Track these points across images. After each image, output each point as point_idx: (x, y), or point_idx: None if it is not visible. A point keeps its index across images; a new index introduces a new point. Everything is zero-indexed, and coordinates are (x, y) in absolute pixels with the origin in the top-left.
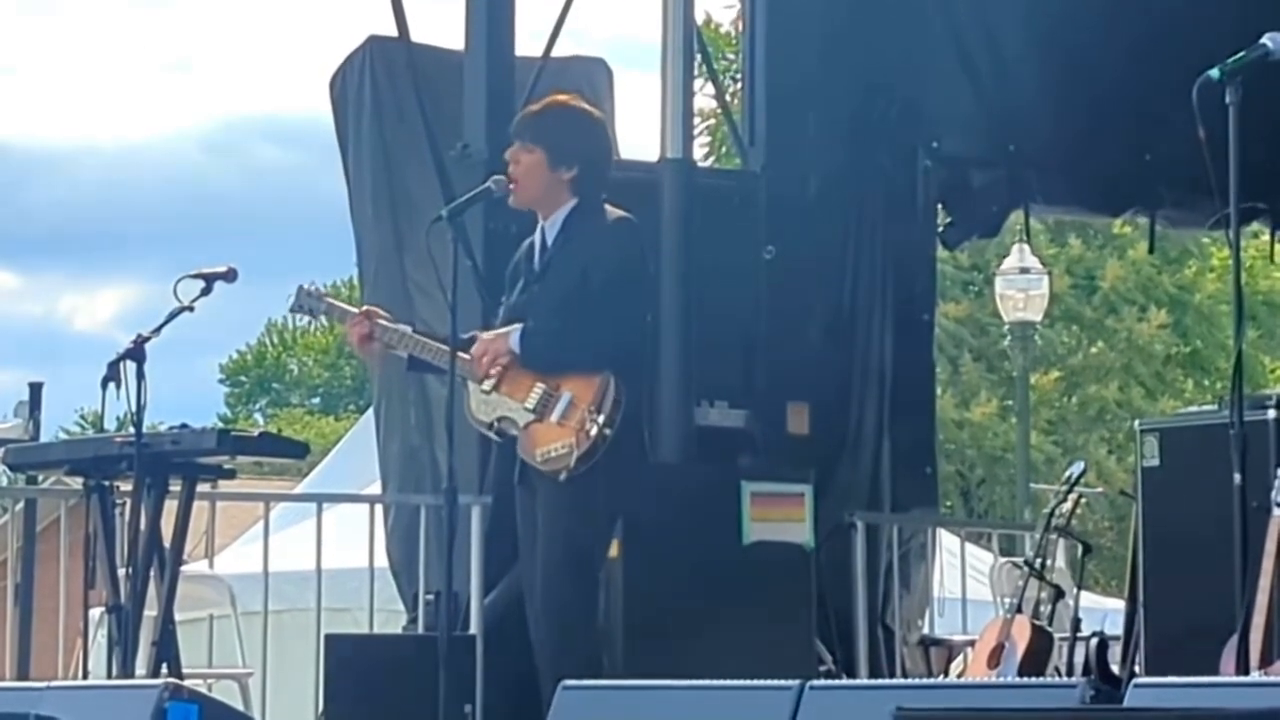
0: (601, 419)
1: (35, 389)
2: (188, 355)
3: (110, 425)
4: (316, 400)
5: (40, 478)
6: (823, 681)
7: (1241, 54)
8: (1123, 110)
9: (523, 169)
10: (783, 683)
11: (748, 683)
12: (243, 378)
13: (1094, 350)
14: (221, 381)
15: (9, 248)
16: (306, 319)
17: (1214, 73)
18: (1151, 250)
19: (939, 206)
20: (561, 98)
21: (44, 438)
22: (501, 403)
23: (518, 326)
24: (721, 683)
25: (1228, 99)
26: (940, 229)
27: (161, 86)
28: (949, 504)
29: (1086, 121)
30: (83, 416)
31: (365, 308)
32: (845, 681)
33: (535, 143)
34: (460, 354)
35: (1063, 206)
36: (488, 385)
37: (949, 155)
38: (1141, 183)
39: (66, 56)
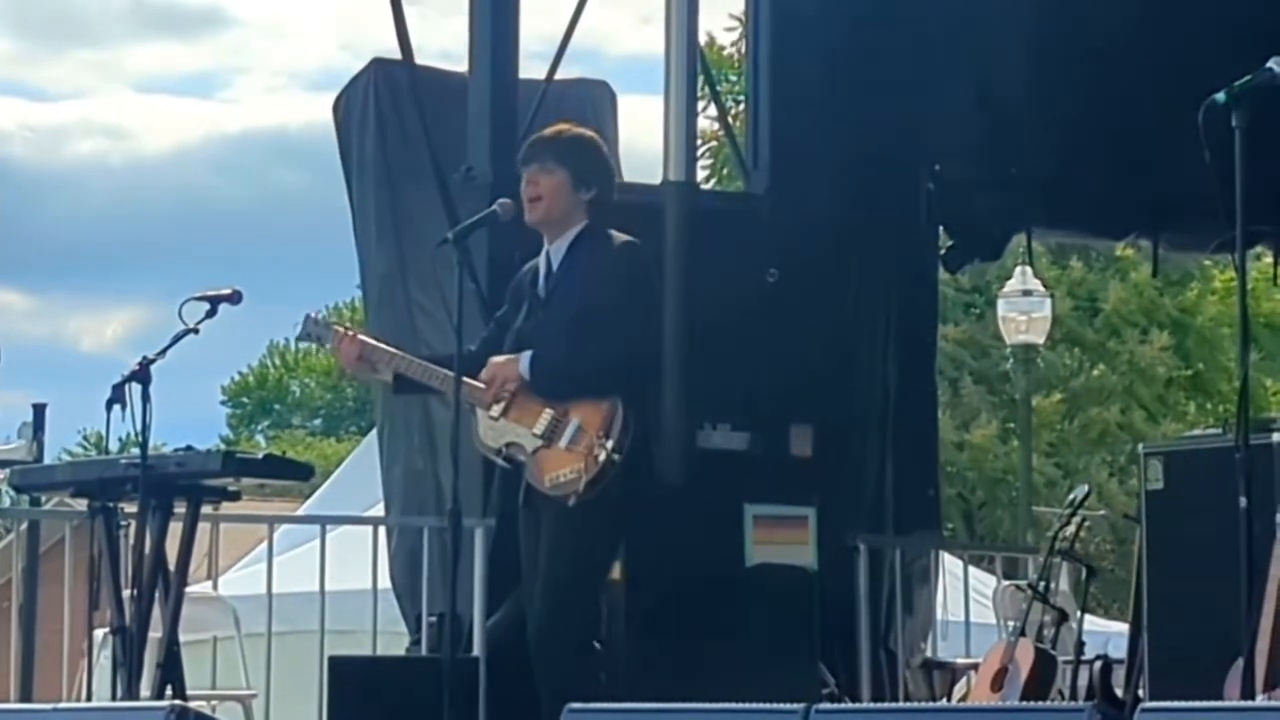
0: (610, 444)
1: (39, 410)
2: (189, 376)
3: (112, 446)
4: (318, 422)
5: (44, 499)
6: (828, 705)
7: (1248, 78)
8: (1125, 134)
9: (545, 189)
10: (788, 706)
11: (754, 706)
12: (244, 399)
13: (1095, 373)
14: (223, 403)
15: (19, 268)
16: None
17: (1220, 96)
18: (1155, 274)
19: (941, 229)
20: (566, 125)
21: (46, 458)
22: (510, 429)
23: (527, 352)
24: (728, 706)
25: (1234, 123)
26: (942, 252)
27: (172, 107)
28: (950, 527)
29: (1089, 145)
30: (85, 437)
31: (349, 329)
32: (851, 705)
33: (559, 164)
34: (468, 380)
35: (1065, 230)
36: (496, 411)
37: (951, 178)
38: (1143, 207)
39: (78, 78)
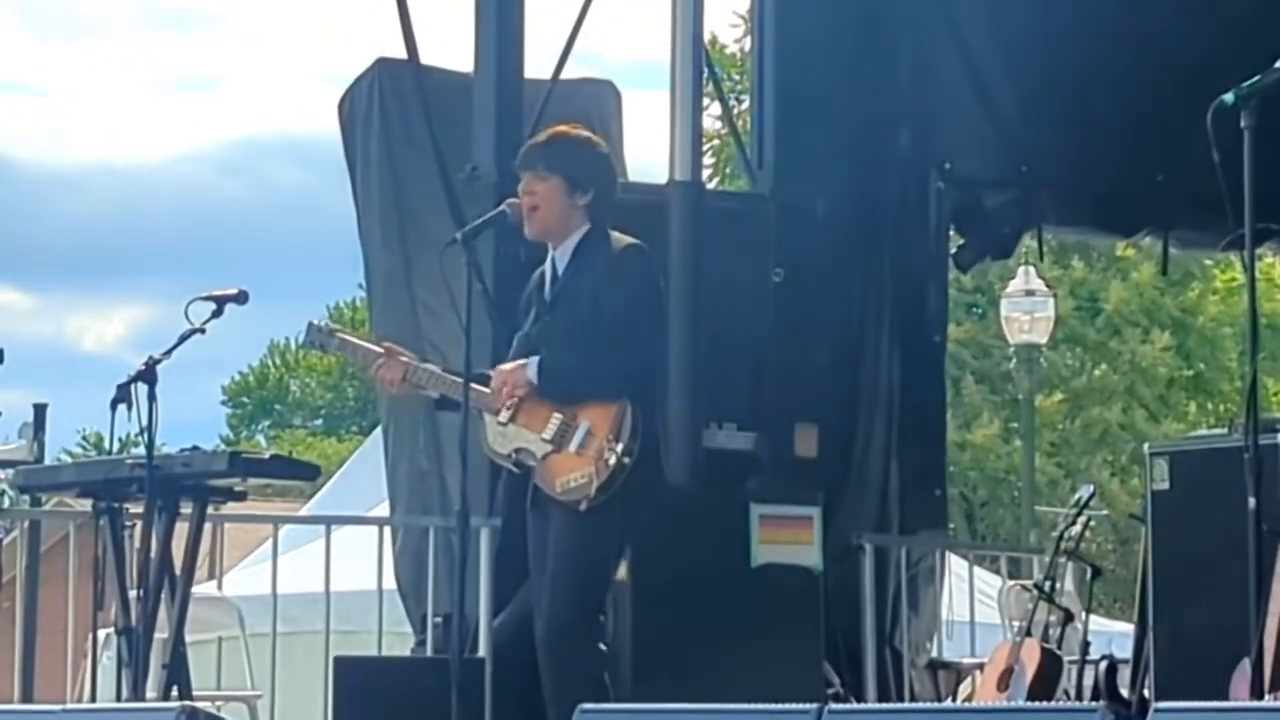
0: (620, 448)
1: (40, 410)
2: (190, 376)
3: (112, 447)
4: (319, 422)
5: (44, 498)
6: (840, 705)
7: (1256, 78)
8: (1136, 131)
9: (540, 198)
10: (801, 706)
11: (765, 706)
12: (245, 399)
13: (1097, 373)
14: (224, 403)
15: (23, 267)
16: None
17: (1228, 97)
18: (1165, 271)
19: (951, 228)
20: (564, 127)
21: (47, 458)
22: (519, 434)
23: (535, 358)
24: (738, 706)
25: (1243, 123)
26: (953, 251)
27: (177, 107)
28: (953, 526)
29: (1099, 142)
30: (84, 437)
31: (386, 345)
32: (865, 706)
33: (551, 171)
34: (477, 387)
35: (1075, 227)
36: (504, 416)
37: (961, 176)
38: (1154, 203)
39: (82, 77)
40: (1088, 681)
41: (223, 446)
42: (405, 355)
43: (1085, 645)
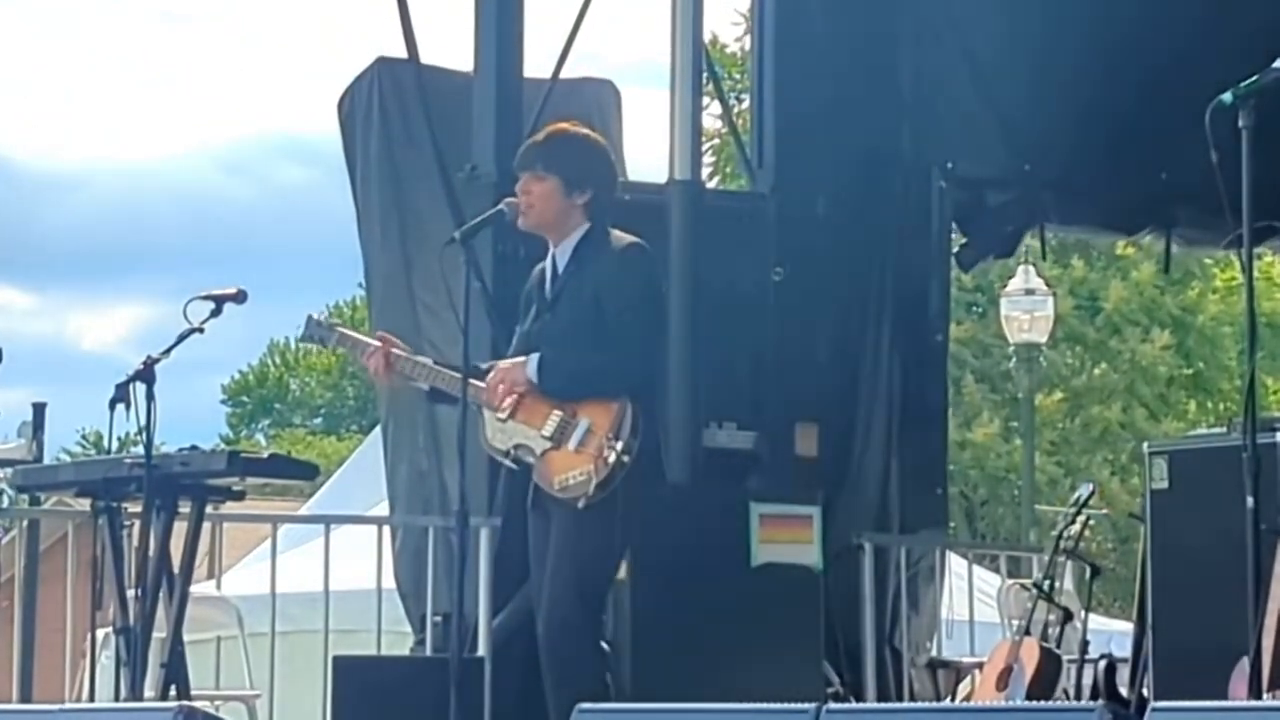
0: (620, 445)
1: (39, 409)
2: (189, 375)
3: (111, 446)
4: (319, 421)
5: (43, 497)
6: (839, 705)
7: (1255, 78)
8: (1139, 129)
9: (536, 197)
10: (799, 706)
11: (764, 706)
12: (245, 398)
13: (1097, 372)
14: (223, 402)
15: (23, 266)
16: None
17: (1226, 97)
18: (1167, 270)
19: (953, 227)
20: (563, 125)
21: (46, 458)
22: (518, 430)
23: (535, 355)
24: (738, 706)
25: (1241, 123)
26: (955, 250)
27: (178, 106)
28: (952, 525)
29: (1102, 141)
30: (84, 436)
31: (380, 334)
32: (863, 705)
33: (548, 171)
34: (476, 382)
35: (1078, 226)
36: (504, 413)
37: (964, 176)
38: (1157, 202)
39: (84, 76)
40: (1087, 680)
41: (222, 445)
42: (399, 347)
43: (1084, 644)
